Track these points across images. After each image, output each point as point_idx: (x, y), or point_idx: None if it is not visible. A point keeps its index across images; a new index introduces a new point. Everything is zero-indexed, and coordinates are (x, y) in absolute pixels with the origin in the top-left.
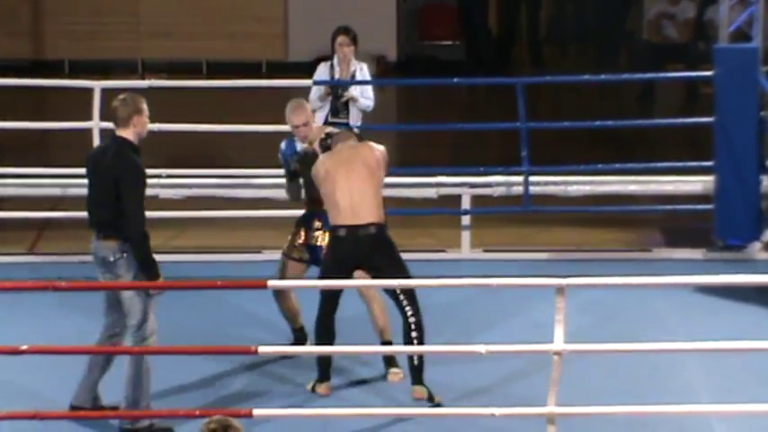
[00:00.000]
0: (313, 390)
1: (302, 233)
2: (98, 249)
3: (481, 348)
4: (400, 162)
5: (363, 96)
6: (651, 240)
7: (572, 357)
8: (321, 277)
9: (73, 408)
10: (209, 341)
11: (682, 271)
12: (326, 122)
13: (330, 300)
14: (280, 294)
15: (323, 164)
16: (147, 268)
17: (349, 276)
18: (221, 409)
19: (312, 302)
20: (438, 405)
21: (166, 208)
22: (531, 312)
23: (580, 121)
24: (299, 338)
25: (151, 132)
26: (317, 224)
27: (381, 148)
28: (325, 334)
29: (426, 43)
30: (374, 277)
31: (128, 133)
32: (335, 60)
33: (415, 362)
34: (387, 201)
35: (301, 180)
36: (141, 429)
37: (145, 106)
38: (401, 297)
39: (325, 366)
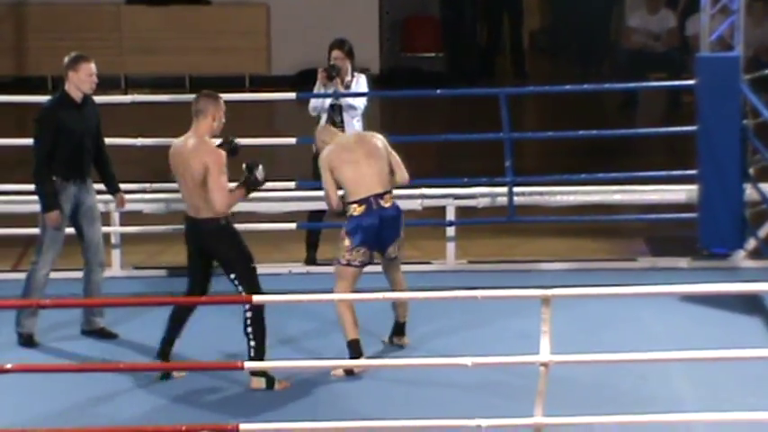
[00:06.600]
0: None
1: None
2: None
3: (467, 361)
4: None
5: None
6: (636, 249)
7: (558, 368)
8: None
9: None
10: (203, 356)
11: (667, 280)
12: None
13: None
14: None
15: None
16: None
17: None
18: (207, 424)
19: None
20: None
21: (151, 222)
22: (516, 324)
23: (563, 131)
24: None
25: (135, 147)
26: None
27: None
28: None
29: (409, 55)
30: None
31: None
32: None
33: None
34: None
35: None
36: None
37: None
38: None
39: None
